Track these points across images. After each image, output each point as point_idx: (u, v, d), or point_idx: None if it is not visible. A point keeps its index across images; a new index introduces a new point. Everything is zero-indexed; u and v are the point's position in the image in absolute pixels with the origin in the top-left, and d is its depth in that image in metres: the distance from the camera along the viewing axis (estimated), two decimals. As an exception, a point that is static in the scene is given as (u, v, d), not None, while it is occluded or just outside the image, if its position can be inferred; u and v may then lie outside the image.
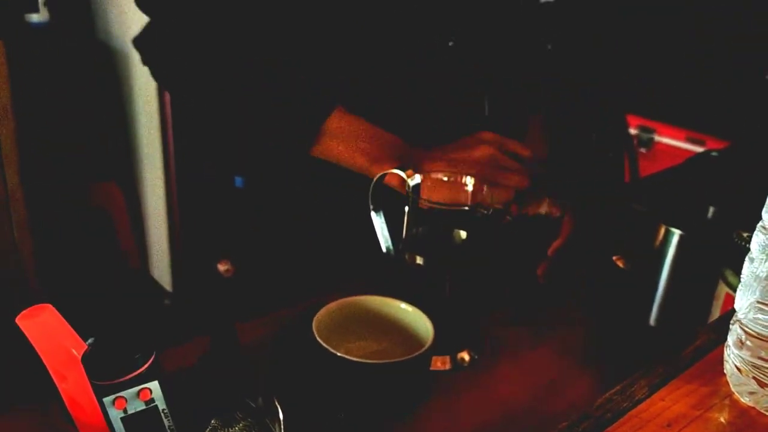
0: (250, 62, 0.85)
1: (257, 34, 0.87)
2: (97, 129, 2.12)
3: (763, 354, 0.46)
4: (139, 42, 0.91)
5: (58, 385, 0.41)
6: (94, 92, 2.08)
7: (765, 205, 0.46)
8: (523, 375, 0.73)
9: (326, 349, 0.61)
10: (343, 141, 0.82)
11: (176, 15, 0.87)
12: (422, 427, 0.64)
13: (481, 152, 0.81)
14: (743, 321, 0.48)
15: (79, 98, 2.02)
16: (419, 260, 0.73)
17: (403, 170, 0.73)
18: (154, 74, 0.94)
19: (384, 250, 0.78)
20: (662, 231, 0.78)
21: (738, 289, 0.48)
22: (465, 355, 0.74)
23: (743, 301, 0.47)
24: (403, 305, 0.70)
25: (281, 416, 0.39)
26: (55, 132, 1.98)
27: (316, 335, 0.63)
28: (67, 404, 0.42)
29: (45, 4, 1.95)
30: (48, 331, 0.39)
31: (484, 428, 0.65)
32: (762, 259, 0.46)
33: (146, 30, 0.90)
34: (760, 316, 0.46)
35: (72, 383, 0.40)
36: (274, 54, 0.86)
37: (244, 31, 0.86)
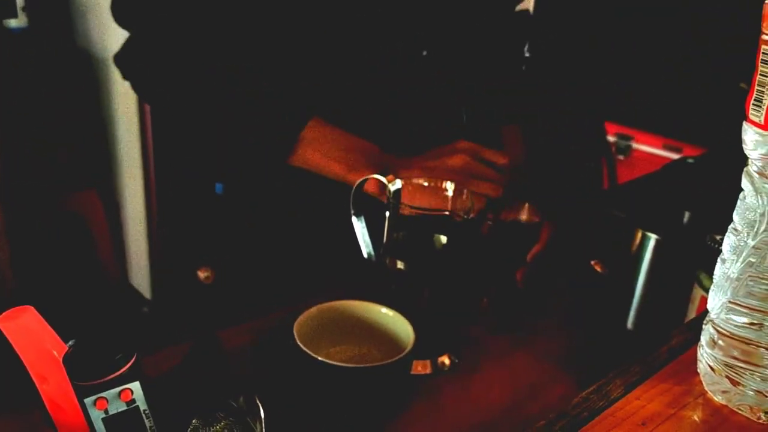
0: (227, 73, 0.85)
1: (233, 45, 0.87)
2: (76, 136, 2.11)
3: (735, 353, 0.47)
4: (118, 59, 0.91)
5: (38, 387, 0.41)
6: (73, 98, 2.06)
7: (735, 208, 0.48)
8: (504, 379, 0.74)
9: (307, 353, 0.61)
10: (319, 150, 0.83)
11: (153, 28, 0.87)
12: (403, 431, 0.65)
13: (455, 161, 0.82)
14: (716, 321, 0.49)
15: (58, 104, 2.00)
16: (400, 265, 0.73)
17: (384, 176, 0.74)
18: (135, 88, 0.95)
19: (365, 255, 0.79)
20: (639, 236, 0.80)
21: (710, 290, 0.49)
22: (445, 360, 0.74)
23: (715, 301, 0.48)
24: (384, 310, 0.70)
25: (262, 415, 0.39)
26: (34, 139, 1.96)
27: (297, 340, 0.63)
28: (47, 407, 0.41)
29: (24, 9, 1.93)
30: (29, 333, 0.39)
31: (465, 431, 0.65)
32: (733, 260, 0.47)
33: (126, 46, 0.90)
34: (731, 316, 0.47)
35: (53, 385, 0.40)
36: (250, 63, 0.87)
37: (221, 42, 0.87)
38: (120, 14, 0.89)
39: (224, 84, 0.85)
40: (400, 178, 0.76)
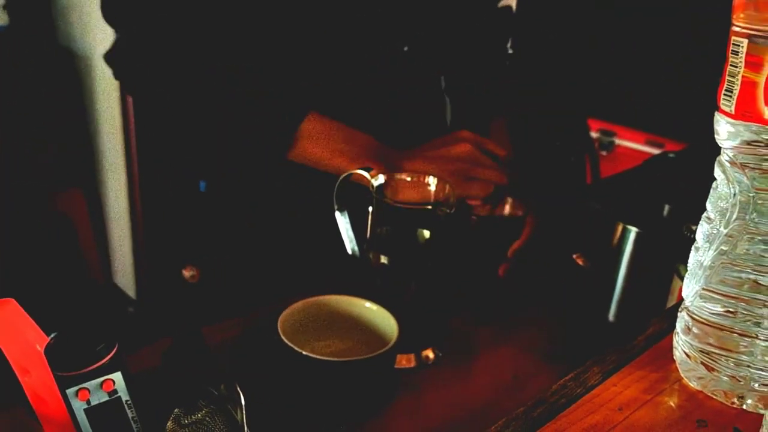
0: (220, 69, 0.85)
1: (223, 43, 0.87)
2: (59, 135, 2.10)
3: (709, 340, 0.48)
4: (109, 57, 0.90)
5: (21, 380, 0.41)
6: (56, 98, 2.05)
7: (708, 197, 0.48)
8: (487, 371, 0.75)
9: (291, 348, 0.61)
10: (320, 143, 0.83)
11: (146, 26, 0.86)
12: (388, 424, 0.65)
13: (461, 149, 0.83)
14: (690, 308, 0.50)
15: (40, 104, 1.99)
16: (383, 259, 0.74)
17: (368, 170, 0.74)
18: (128, 88, 0.94)
19: (349, 250, 0.79)
20: (620, 229, 0.81)
21: (685, 278, 0.50)
22: (429, 353, 0.75)
23: (690, 289, 0.49)
24: (368, 304, 0.70)
25: (243, 402, 0.40)
26: (17, 139, 1.95)
27: (282, 334, 0.63)
28: (30, 399, 0.41)
29: (4, 7, 1.92)
30: (10, 325, 0.39)
31: (449, 424, 0.66)
32: (706, 248, 0.48)
33: (116, 44, 0.90)
34: (705, 303, 0.48)
35: (35, 377, 0.40)
36: (238, 60, 0.87)
37: (211, 39, 0.86)
38: (110, 13, 0.88)
39: (218, 81, 0.85)
40: (403, 169, 0.77)
